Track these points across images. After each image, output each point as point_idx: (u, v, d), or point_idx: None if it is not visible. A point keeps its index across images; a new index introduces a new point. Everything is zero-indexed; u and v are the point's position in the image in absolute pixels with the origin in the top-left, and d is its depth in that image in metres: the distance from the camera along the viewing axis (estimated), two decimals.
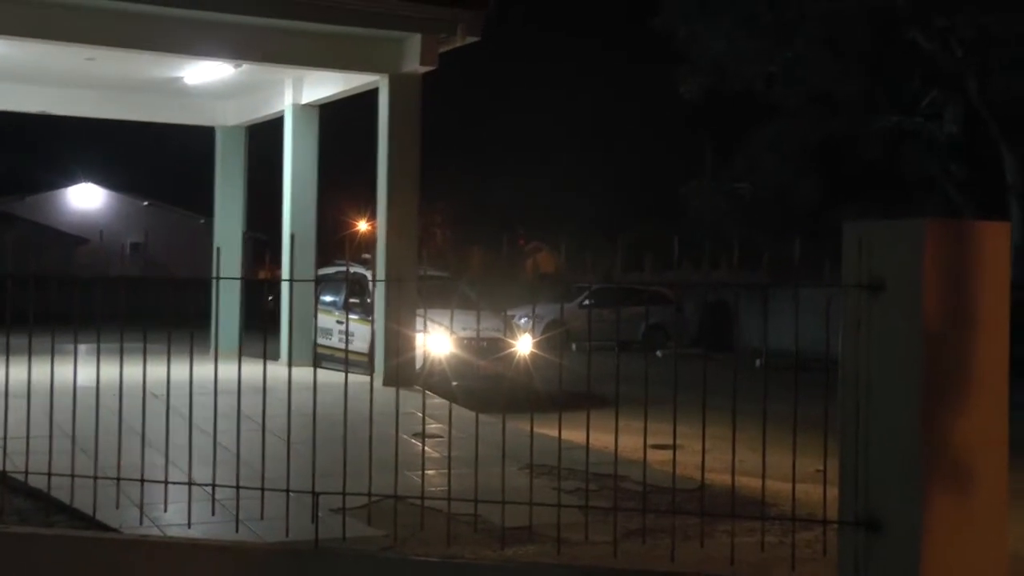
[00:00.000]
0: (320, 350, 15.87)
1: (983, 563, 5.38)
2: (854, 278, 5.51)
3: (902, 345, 5.35)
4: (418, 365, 14.92)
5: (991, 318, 5.39)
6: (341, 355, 14.62)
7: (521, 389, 13.79)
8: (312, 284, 16.46)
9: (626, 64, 46.08)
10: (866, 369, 5.47)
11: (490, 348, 15.61)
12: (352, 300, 17.20)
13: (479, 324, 14.99)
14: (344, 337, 12.99)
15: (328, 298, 17.91)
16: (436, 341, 15.23)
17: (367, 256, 19.18)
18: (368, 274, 17.10)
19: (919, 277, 5.29)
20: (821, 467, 5.87)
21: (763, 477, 6.14)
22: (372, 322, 15.94)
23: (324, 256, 22.94)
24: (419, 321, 14.24)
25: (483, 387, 14.03)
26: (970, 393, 5.34)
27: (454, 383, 14.21)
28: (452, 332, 15.25)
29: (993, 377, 5.40)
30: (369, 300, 16.46)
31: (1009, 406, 5.44)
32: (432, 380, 14.63)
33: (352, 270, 17.49)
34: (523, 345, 15.94)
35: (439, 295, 15.53)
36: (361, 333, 16.55)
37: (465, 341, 15.49)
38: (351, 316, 16.80)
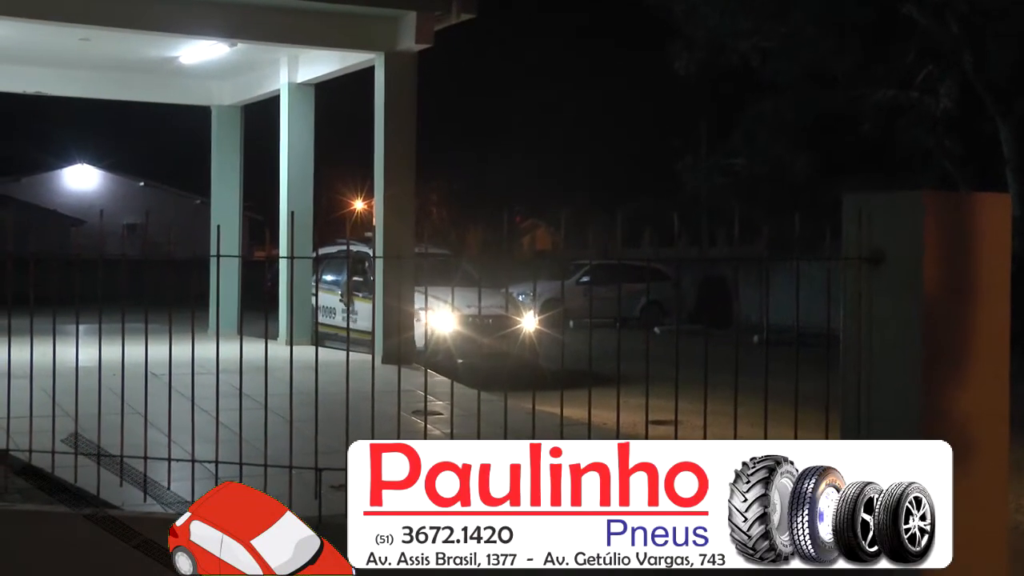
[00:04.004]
0: (322, 329, 15.83)
1: (983, 535, 5.40)
2: (854, 251, 5.50)
3: (903, 317, 5.36)
4: (420, 343, 14.90)
5: (992, 289, 5.39)
6: (343, 334, 14.62)
7: (526, 367, 13.78)
8: (310, 263, 16.46)
9: (622, 40, 45.99)
10: (867, 342, 5.48)
11: (494, 325, 15.59)
12: (355, 278, 17.17)
13: (481, 301, 14.99)
14: (346, 316, 12.97)
15: (330, 277, 17.87)
16: (439, 319, 15.20)
17: (369, 234, 19.10)
18: (371, 252, 17.03)
19: (919, 249, 5.29)
20: None
21: None
22: (374, 300, 15.93)
23: (321, 235, 22.91)
24: (421, 299, 14.25)
25: (488, 365, 14.00)
26: (970, 365, 5.35)
27: (459, 361, 14.21)
28: (455, 309, 15.23)
29: (994, 349, 5.41)
30: (372, 278, 16.43)
31: (1010, 378, 5.46)
32: (436, 358, 14.61)
33: (354, 248, 17.45)
34: (527, 322, 15.90)
35: (440, 273, 15.51)
36: (364, 312, 16.51)
37: (469, 319, 15.46)
38: (354, 295, 16.75)
